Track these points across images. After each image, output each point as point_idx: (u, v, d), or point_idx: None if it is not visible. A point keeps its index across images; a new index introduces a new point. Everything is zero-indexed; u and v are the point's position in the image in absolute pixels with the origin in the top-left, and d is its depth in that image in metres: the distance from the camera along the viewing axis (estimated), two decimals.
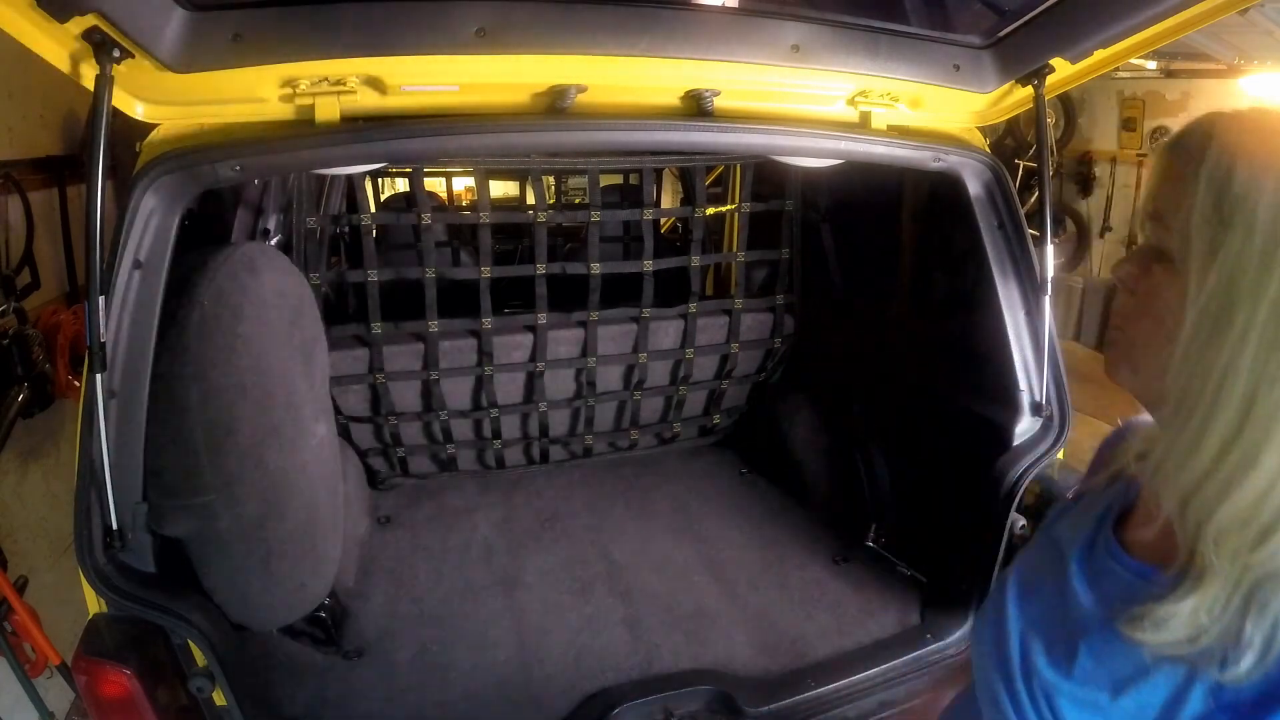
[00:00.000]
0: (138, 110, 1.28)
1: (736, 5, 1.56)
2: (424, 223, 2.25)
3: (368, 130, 1.36)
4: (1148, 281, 0.60)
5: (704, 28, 1.44)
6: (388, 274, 2.27)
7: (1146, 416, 0.67)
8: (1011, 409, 1.78)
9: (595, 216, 2.40)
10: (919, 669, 1.76)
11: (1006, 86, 1.68)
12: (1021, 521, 1.71)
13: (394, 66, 1.33)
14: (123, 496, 1.22)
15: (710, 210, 2.62)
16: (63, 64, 1.15)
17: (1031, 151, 6.21)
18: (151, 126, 1.31)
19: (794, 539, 2.29)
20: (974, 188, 1.78)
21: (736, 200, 2.61)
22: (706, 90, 1.51)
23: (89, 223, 1.15)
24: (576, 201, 5.52)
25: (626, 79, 1.46)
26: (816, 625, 1.91)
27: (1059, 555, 0.71)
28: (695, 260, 2.50)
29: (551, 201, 4.75)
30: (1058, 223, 6.64)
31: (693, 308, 2.52)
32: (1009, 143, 6.54)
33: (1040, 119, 1.67)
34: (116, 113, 1.22)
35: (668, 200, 4.64)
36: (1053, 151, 6.22)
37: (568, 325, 2.43)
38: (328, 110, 1.35)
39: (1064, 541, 0.72)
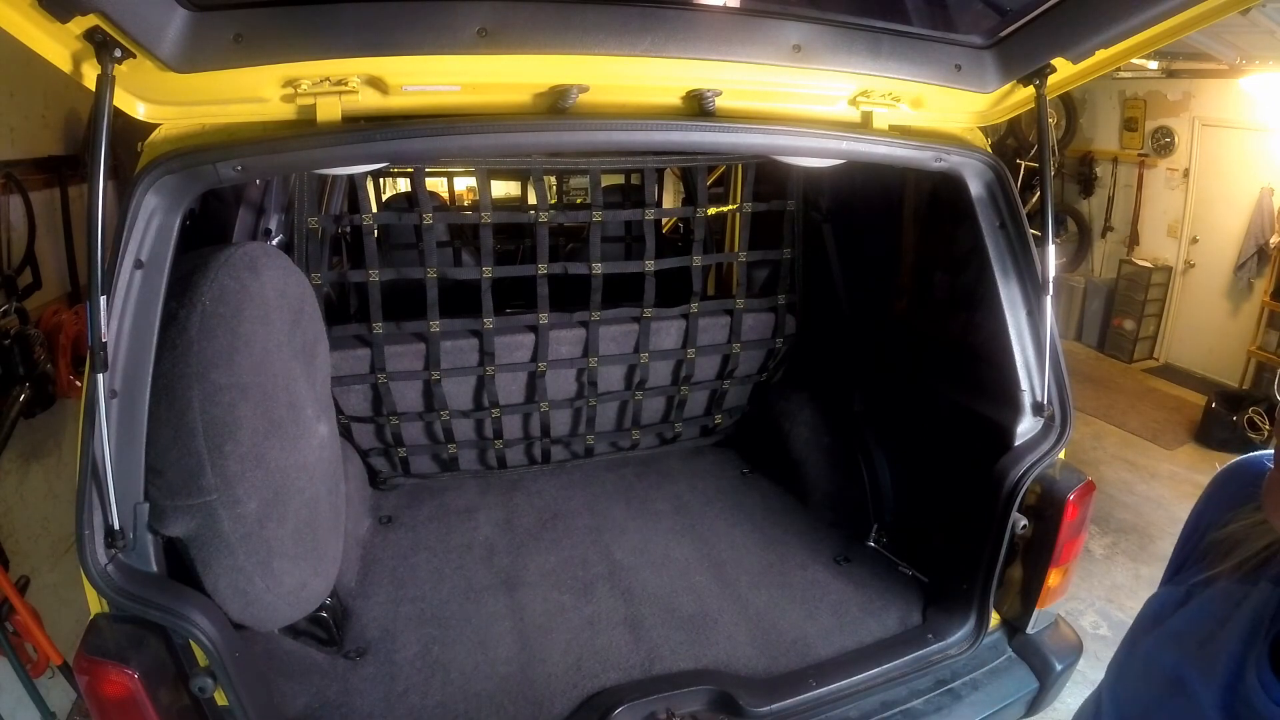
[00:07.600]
0: (139, 110, 1.28)
1: (738, 5, 1.55)
2: (426, 223, 2.25)
3: (369, 130, 1.36)
4: None
5: (706, 28, 1.44)
6: (389, 274, 2.27)
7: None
8: (1013, 409, 1.79)
9: (597, 216, 2.40)
10: (921, 669, 1.76)
11: (1008, 86, 1.68)
12: (1023, 521, 1.71)
13: (396, 66, 1.33)
14: (124, 496, 1.22)
15: (712, 210, 2.62)
16: (64, 64, 1.15)
17: (1033, 151, 6.21)
18: (153, 126, 1.31)
19: (795, 539, 2.29)
20: (975, 188, 1.78)
21: (738, 200, 2.61)
22: (708, 90, 1.51)
23: (90, 222, 1.14)
24: (578, 201, 5.51)
25: (628, 79, 1.46)
26: (818, 625, 1.91)
27: (1178, 691, 0.49)
28: (697, 260, 2.50)
29: (553, 201, 4.75)
30: (1059, 223, 6.64)
31: (694, 308, 2.52)
32: (1010, 143, 6.55)
33: (1042, 119, 1.67)
34: (118, 113, 1.22)
35: (669, 200, 4.63)
36: (1054, 151, 6.22)
37: (569, 325, 2.43)
38: (329, 110, 1.35)
39: (1185, 672, 0.49)
